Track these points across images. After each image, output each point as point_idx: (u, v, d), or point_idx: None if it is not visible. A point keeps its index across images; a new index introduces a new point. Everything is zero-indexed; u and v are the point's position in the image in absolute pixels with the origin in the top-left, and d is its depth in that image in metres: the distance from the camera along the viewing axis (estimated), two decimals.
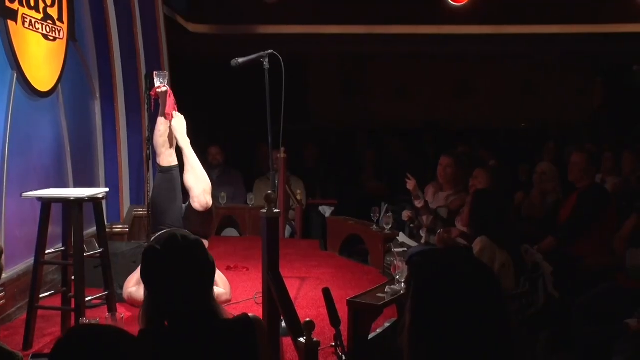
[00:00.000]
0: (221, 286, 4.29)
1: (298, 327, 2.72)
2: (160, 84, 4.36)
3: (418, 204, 5.45)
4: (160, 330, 2.01)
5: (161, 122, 4.47)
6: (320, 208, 7.40)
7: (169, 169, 4.45)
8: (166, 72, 4.48)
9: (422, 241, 5.39)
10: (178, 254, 2.01)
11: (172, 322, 2.00)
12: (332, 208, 7.31)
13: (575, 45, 10.15)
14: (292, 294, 4.13)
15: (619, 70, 12.35)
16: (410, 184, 5.49)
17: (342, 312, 3.30)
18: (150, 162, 6.20)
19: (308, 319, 2.56)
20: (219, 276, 4.26)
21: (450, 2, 8.93)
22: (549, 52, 10.76)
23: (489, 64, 11.70)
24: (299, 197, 6.82)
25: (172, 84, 4.52)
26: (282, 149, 6.00)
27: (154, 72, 4.47)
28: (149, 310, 2.03)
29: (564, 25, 9.18)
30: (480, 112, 11.64)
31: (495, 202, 4.34)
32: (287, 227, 6.81)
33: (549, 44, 10.11)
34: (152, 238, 4.12)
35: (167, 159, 4.45)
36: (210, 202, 4.39)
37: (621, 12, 9.25)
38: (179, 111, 4.51)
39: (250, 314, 2.12)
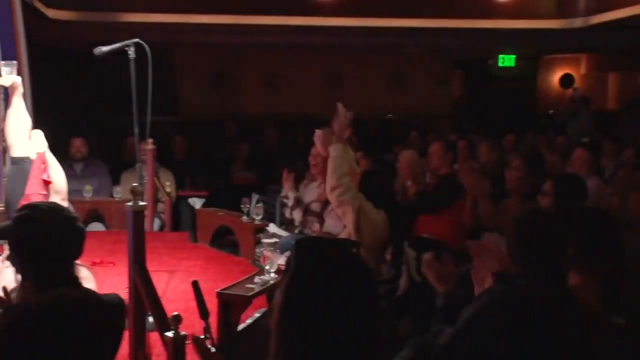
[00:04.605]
0: (85, 283, 4.14)
1: (165, 321, 2.69)
2: (8, 74, 4.17)
3: (290, 201, 5.53)
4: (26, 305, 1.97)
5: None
6: (190, 200, 7.31)
7: (21, 159, 4.24)
8: (15, 62, 4.27)
9: (296, 231, 5.45)
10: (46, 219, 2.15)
11: (41, 293, 1.96)
12: (203, 200, 7.24)
13: (437, 38, 10.59)
14: (161, 287, 4.08)
15: (476, 63, 13.03)
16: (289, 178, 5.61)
17: (213, 304, 3.29)
18: (7, 154, 5.87)
19: (175, 313, 2.54)
20: (83, 272, 4.11)
21: None
22: (412, 45, 11.16)
23: (358, 56, 11.98)
24: (168, 189, 6.69)
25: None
26: (150, 140, 5.86)
27: (1, 62, 4.25)
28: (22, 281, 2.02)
29: (425, 19, 9.54)
30: (350, 102, 11.83)
31: (381, 184, 4.49)
32: (156, 219, 6.67)
33: (412, 37, 10.48)
34: None
35: (19, 149, 4.24)
36: None
37: (478, 8, 9.75)
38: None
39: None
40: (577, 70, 13.86)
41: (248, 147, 8.74)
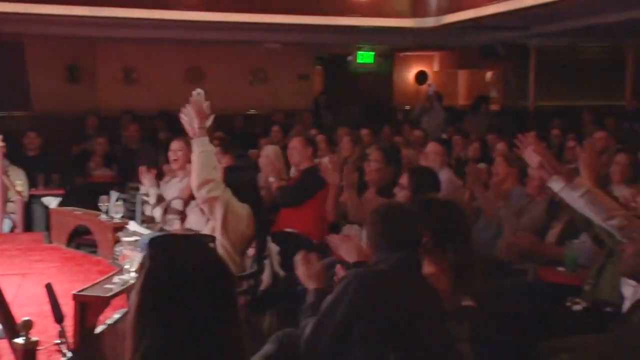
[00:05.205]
0: None
1: (14, 327, 2.55)
2: None
3: (152, 199, 5.42)
4: None
5: None
6: (44, 199, 6.99)
7: None
8: None
9: (158, 229, 5.35)
10: None
11: None
12: (59, 199, 6.95)
13: (298, 34, 10.73)
14: (11, 292, 3.87)
15: (336, 59, 13.32)
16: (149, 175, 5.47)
17: (71, 306, 3.17)
18: None
19: (26, 318, 2.42)
20: None
21: None
22: (274, 40, 11.23)
23: (220, 50, 11.89)
24: (19, 188, 6.36)
25: None
26: None
27: None
28: None
29: (286, 15, 9.63)
30: (213, 97, 11.70)
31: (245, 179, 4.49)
32: (7, 220, 6.33)
33: (273, 32, 10.56)
34: None
35: None
36: None
37: (338, 5, 9.97)
38: None
39: None
40: (431, 67, 14.50)
41: (105, 143, 8.46)
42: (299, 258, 3.06)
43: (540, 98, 12.45)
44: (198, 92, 4.09)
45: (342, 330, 2.59)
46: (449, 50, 13.77)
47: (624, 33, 10.75)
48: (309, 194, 5.41)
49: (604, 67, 13.40)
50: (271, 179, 5.92)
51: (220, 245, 4.01)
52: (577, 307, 3.63)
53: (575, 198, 3.18)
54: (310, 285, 2.98)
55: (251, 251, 4.26)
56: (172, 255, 1.52)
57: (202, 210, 4.52)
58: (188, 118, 4.07)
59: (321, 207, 5.36)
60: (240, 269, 4.12)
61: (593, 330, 3.06)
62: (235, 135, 9.98)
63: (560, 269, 4.23)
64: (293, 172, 6.08)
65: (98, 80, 11.59)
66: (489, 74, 14.24)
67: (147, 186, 5.50)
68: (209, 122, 4.12)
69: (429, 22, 10.03)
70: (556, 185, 3.22)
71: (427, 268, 2.91)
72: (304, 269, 3.02)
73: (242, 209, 4.15)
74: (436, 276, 2.89)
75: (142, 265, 1.55)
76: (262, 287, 4.14)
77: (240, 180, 4.30)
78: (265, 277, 4.17)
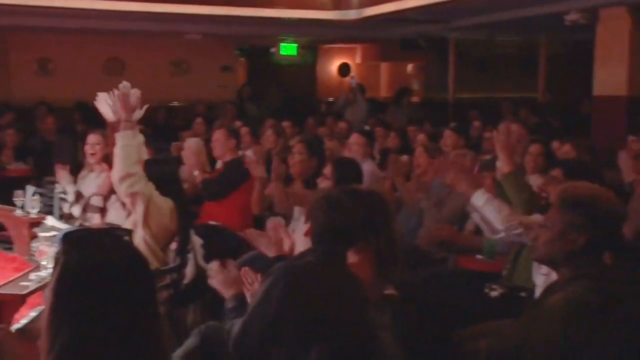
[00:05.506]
0: None
1: None
2: None
3: (70, 196, 5.27)
4: None
5: None
6: None
7: None
8: None
9: (77, 224, 5.21)
10: None
11: None
12: None
13: (220, 26, 10.62)
14: None
15: (259, 51, 13.27)
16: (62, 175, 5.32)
17: None
18: None
19: None
20: None
21: None
22: (195, 31, 11.08)
23: (141, 41, 11.66)
24: None
25: None
26: None
27: None
28: None
29: (208, 6, 9.51)
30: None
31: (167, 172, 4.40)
32: None
33: (195, 23, 10.41)
34: None
35: None
36: None
37: None
38: None
39: None
40: (353, 59, 14.62)
41: (15, 134, 8.17)
42: (214, 267, 3.00)
43: (459, 90, 12.74)
44: (124, 85, 4.02)
45: (271, 326, 2.58)
46: (371, 42, 13.91)
47: (537, 28, 11.12)
48: (232, 186, 5.39)
49: (519, 61, 13.85)
50: (195, 173, 5.85)
51: (142, 239, 3.95)
52: (494, 294, 3.74)
53: (482, 206, 3.30)
54: (229, 292, 2.93)
55: (174, 245, 4.21)
56: (87, 250, 1.49)
57: (123, 205, 4.43)
58: (114, 109, 3.99)
59: (245, 199, 5.34)
60: (163, 263, 4.06)
61: (510, 316, 3.16)
62: (158, 127, 9.81)
63: (479, 257, 4.35)
64: (219, 164, 6.03)
65: (11, 71, 11.17)
66: (410, 67, 14.47)
67: (63, 183, 5.36)
68: (137, 116, 4.06)
69: (351, 14, 10.10)
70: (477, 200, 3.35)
71: (350, 257, 2.93)
72: (222, 277, 2.96)
73: (165, 203, 4.09)
74: (359, 265, 2.91)
75: (56, 261, 1.50)
76: (186, 280, 4.10)
77: (161, 173, 4.23)
78: (189, 270, 4.12)
